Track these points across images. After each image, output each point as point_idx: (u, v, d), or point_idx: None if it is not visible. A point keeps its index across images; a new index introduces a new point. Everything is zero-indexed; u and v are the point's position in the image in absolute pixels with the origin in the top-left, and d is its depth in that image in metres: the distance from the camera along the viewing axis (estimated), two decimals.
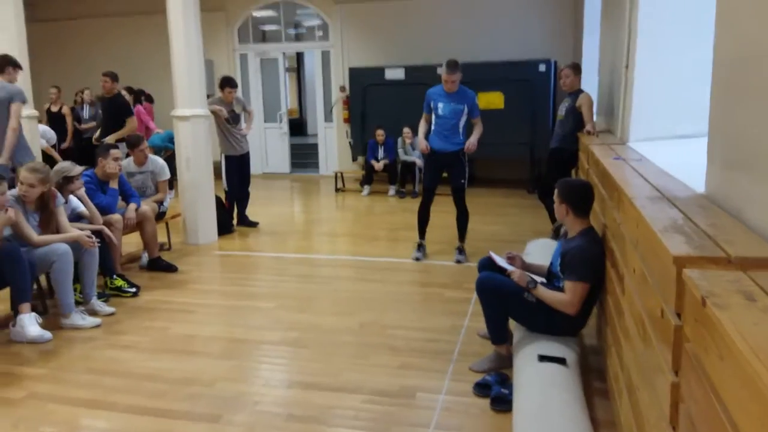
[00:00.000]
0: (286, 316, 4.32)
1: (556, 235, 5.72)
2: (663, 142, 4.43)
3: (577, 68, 5.94)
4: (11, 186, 4.22)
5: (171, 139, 7.46)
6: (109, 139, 6.77)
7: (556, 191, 3.29)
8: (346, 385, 3.23)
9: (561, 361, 2.84)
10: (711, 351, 1.32)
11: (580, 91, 5.85)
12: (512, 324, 3.46)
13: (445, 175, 5.44)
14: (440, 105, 5.24)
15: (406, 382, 3.24)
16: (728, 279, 1.48)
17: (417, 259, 5.52)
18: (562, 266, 3.20)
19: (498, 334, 3.34)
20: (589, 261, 3.09)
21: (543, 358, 2.86)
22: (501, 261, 3.45)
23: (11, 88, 5.28)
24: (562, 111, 5.96)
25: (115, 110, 7.02)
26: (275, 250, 6.13)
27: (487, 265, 3.51)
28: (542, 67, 8.85)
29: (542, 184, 6.24)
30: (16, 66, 5.47)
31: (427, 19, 10.03)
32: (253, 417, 2.96)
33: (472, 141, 5.23)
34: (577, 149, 5.82)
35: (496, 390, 2.98)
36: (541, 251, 4.48)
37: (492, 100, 8.96)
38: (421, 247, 5.60)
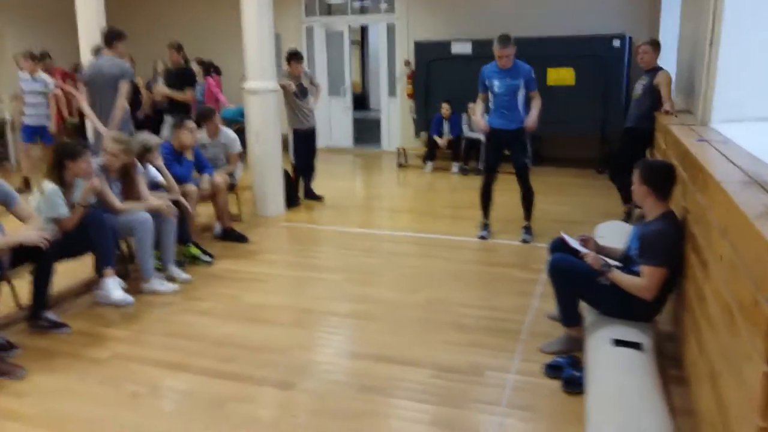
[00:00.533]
0: (353, 288, 4.40)
1: (628, 217, 5.57)
2: (748, 124, 4.22)
3: (656, 45, 5.70)
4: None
5: (242, 114, 7.61)
6: (163, 91, 7.09)
7: (636, 172, 3.20)
8: (415, 360, 3.27)
9: (637, 345, 2.79)
10: None
11: (659, 68, 5.62)
12: (583, 306, 3.42)
13: (507, 153, 5.36)
14: (495, 82, 5.16)
15: (474, 359, 3.26)
16: None
17: (482, 237, 5.49)
18: (639, 250, 3.12)
19: (570, 316, 3.30)
20: (668, 246, 3.00)
21: (618, 343, 2.82)
22: (574, 243, 3.39)
23: (123, 65, 5.51)
24: (638, 89, 5.74)
25: (179, 81, 7.19)
26: (340, 223, 6.22)
27: (559, 246, 3.46)
28: (617, 43, 8.51)
29: (614, 164, 6.06)
30: (124, 37, 5.55)
31: None
32: (325, 386, 3.04)
33: (533, 118, 5.15)
34: (653, 129, 5.62)
35: (568, 372, 2.96)
36: (613, 234, 4.38)
37: (563, 76, 8.72)
38: (485, 226, 5.56)
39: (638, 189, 3.19)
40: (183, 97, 6.97)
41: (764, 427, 1.63)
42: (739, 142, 3.50)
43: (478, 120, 5.38)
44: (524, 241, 5.32)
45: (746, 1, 4.17)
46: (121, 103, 5.40)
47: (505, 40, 5.02)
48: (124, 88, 5.39)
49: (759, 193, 2.24)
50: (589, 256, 3.20)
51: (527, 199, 5.42)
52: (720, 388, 2.14)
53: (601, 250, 3.48)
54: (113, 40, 5.48)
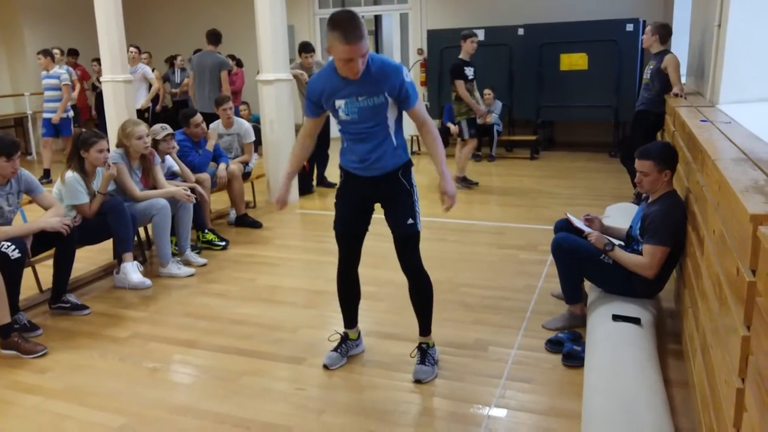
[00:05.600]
0: (363, 271, 4.42)
1: (638, 199, 5.61)
2: (755, 104, 4.24)
3: (659, 28, 5.68)
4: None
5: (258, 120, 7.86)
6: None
7: (638, 155, 3.24)
8: None
9: (635, 321, 2.86)
10: None
11: (667, 51, 5.62)
12: (587, 285, 3.49)
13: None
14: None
15: (479, 336, 3.35)
16: None
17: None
18: (641, 229, 3.18)
19: (572, 294, 3.37)
20: (670, 225, 3.06)
21: (617, 318, 2.89)
22: (578, 223, 3.45)
23: (221, 57, 7.29)
24: (647, 73, 5.76)
25: None
26: None
27: (564, 226, 3.53)
28: (629, 27, 8.50)
29: (625, 148, 6.10)
30: (220, 38, 7.32)
31: None
32: None
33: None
34: (663, 112, 5.64)
35: (569, 346, 3.04)
36: (621, 215, 4.43)
37: (575, 61, 8.73)
38: None
39: (641, 171, 3.23)
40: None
41: (742, 388, 1.70)
42: (743, 121, 3.53)
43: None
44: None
45: None
46: (226, 87, 7.15)
47: None
48: (224, 76, 7.15)
49: (750, 169, 2.29)
50: (593, 235, 3.26)
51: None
52: (710, 358, 2.21)
53: (605, 229, 3.54)
54: (216, 39, 7.26)
